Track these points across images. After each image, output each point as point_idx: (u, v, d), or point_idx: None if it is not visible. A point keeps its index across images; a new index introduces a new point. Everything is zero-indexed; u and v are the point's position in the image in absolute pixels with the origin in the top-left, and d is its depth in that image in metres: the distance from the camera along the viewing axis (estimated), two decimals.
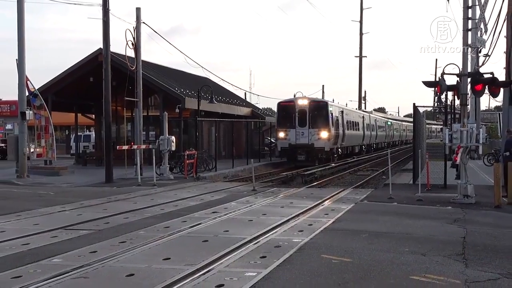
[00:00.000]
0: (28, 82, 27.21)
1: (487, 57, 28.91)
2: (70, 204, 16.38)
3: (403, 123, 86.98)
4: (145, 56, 32.28)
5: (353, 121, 45.56)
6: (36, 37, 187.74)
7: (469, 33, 17.85)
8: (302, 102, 36.01)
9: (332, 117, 36.39)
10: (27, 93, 27.13)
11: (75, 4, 36.43)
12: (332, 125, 36.25)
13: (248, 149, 37.40)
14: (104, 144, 27.32)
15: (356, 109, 58.04)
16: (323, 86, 78.18)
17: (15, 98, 28.89)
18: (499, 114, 43.31)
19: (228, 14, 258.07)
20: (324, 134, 35.03)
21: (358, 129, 48.17)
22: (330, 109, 36.38)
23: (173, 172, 26.70)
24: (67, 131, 56.44)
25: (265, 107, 72.69)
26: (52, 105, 32.62)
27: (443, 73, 19.35)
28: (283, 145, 35.68)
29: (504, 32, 24.68)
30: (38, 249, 9.84)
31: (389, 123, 71.48)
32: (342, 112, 40.91)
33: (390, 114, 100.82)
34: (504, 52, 25.80)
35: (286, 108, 36.69)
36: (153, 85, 32.22)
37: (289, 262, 8.73)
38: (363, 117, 51.55)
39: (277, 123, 37.79)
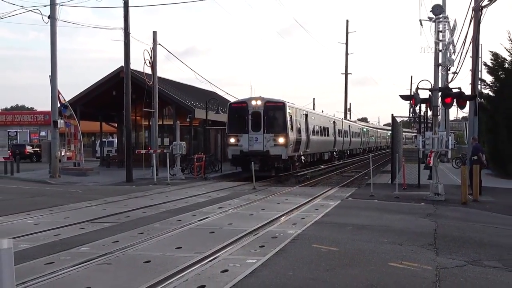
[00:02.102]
0: (60, 95, 27.24)
1: (455, 74, 28.99)
2: (95, 200, 16.38)
3: (379, 130, 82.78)
4: (161, 73, 32.23)
5: (321, 126, 37.18)
6: (67, 57, 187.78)
7: (440, 54, 17.88)
8: (256, 103, 27.05)
9: (291, 121, 27.65)
10: (58, 105, 27.14)
11: (100, 28, 36.61)
12: (291, 130, 27.43)
13: None
14: (125, 149, 27.31)
15: (343, 119, 51.46)
16: (314, 99, 78.25)
17: (49, 109, 28.87)
18: (466, 123, 43.31)
19: (234, 37, 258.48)
20: (281, 139, 26.45)
21: (328, 135, 39.33)
22: (288, 111, 27.47)
23: (184, 173, 26.69)
24: (93, 137, 56.38)
25: None
26: (80, 115, 32.60)
27: (417, 88, 19.39)
28: (235, 153, 26.80)
29: (470, 53, 24.79)
30: (68, 239, 9.86)
31: (364, 129, 63.63)
32: (306, 115, 32.12)
33: (372, 123, 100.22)
34: (470, 70, 25.92)
35: (238, 110, 27.67)
36: (167, 98, 32.22)
37: (284, 250, 8.73)
38: (334, 122, 42.67)
39: (227, 127, 27.87)
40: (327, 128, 39.23)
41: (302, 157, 30.68)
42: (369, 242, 9.51)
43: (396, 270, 7.54)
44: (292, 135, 27.43)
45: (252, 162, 22.67)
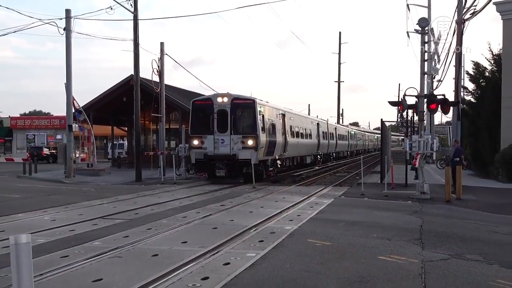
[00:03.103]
0: (74, 101, 27.26)
1: (440, 82, 29.11)
2: (107, 198, 16.38)
3: (366, 133, 78.88)
4: (168, 81, 32.12)
5: (303, 128, 31.54)
6: (82, 66, 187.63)
7: (426, 63, 17.89)
8: (222, 100, 22.24)
9: (263, 120, 22.71)
10: (73, 110, 27.18)
11: (111, 39, 36.85)
12: (263, 131, 22.54)
13: None
14: (135, 151, 27.32)
15: (328, 121, 43.83)
16: (309, 105, 78.28)
17: (64, 114, 28.91)
18: (449, 127, 43.36)
19: (236, 48, 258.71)
20: (250, 142, 21.77)
21: (311, 137, 33.88)
22: (259, 109, 22.31)
23: (189, 173, 26.67)
24: (105, 140, 56.40)
25: None
26: (93, 120, 32.57)
27: (404, 95, 19.40)
28: (198, 156, 22.35)
29: (453, 62, 24.82)
30: (81, 234, 9.86)
31: (352, 132, 58.37)
32: (283, 115, 26.78)
33: (363, 127, 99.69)
34: (453, 78, 25.92)
35: (202, 108, 22.80)
36: (174, 104, 32.19)
37: (282, 245, 8.73)
38: (318, 124, 37.17)
39: (190, 128, 23.06)
40: (310, 130, 33.97)
41: (278, 162, 25.55)
42: (360, 237, 9.51)
43: (385, 263, 7.54)
44: (264, 137, 22.66)
45: (253, 164, 21.37)
